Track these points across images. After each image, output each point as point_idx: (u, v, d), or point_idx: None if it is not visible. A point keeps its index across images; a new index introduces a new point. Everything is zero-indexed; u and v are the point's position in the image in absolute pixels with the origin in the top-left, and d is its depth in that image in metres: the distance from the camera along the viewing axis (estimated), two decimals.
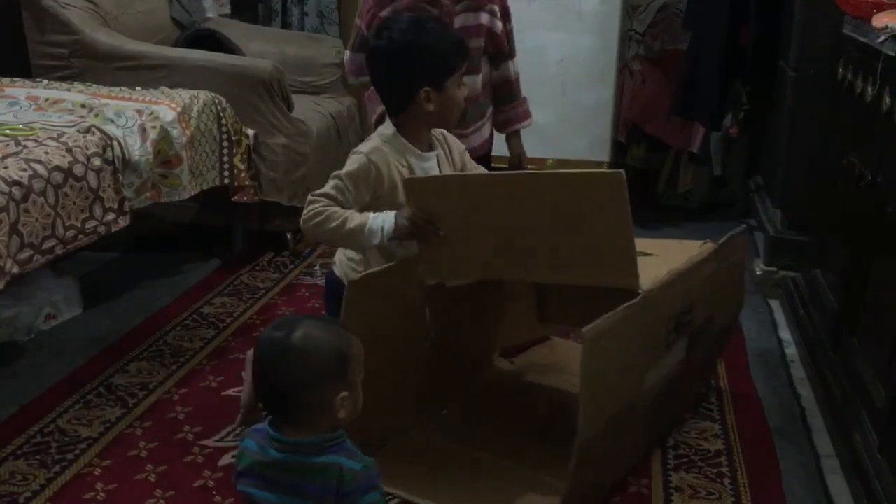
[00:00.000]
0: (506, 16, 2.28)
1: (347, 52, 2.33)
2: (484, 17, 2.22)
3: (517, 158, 2.37)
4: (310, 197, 1.76)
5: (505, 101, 2.34)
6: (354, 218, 1.72)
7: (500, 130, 2.38)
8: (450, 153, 1.92)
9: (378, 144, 1.80)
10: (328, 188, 1.75)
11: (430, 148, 1.87)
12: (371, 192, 1.77)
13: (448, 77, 1.79)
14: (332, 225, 1.71)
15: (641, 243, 1.91)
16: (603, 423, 1.54)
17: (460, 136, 2.09)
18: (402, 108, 1.81)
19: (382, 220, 1.71)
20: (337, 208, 1.73)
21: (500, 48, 2.27)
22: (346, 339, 1.27)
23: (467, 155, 1.97)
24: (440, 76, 1.77)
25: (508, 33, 2.29)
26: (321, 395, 1.22)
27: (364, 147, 1.80)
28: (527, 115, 2.38)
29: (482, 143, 2.32)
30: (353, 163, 1.78)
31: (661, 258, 1.83)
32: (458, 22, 2.17)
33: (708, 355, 2.00)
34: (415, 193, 1.72)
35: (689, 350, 1.82)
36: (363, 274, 1.68)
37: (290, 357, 1.22)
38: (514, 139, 2.38)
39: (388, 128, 1.83)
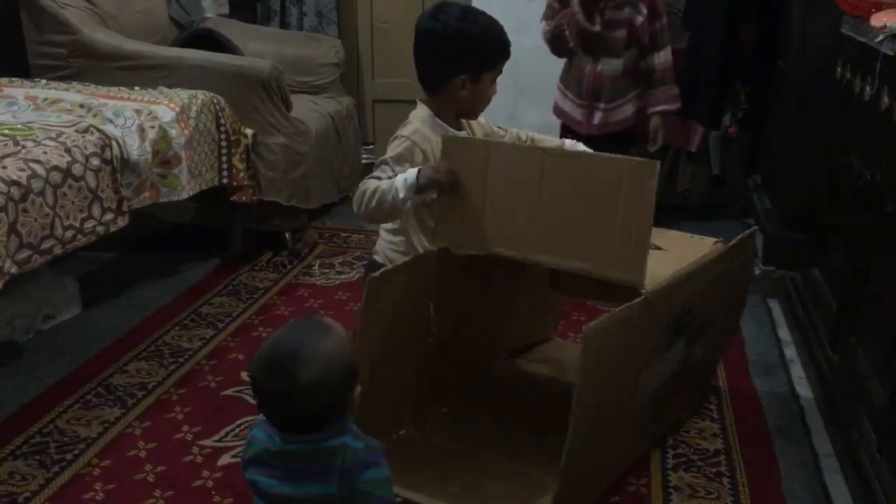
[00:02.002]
0: (653, 13, 2.65)
1: (543, 23, 2.75)
2: (627, 12, 2.63)
3: (653, 133, 2.75)
4: (360, 185, 1.85)
5: (648, 87, 2.72)
6: (386, 181, 1.78)
7: (645, 110, 2.75)
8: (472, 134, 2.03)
9: (417, 126, 1.90)
10: (375, 173, 1.84)
11: (460, 126, 1.98)
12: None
13: (486, 71, 1.90)
14: (372, 196, 1.78)
15: (654, 234, 1.92)
16: (596, 421, 1.54)
17: (605, 110, 2.60)
18: (437, 90, 1.92)
19: (406, 174, 1.76)
20: (374, 181, 1.80)
21: (639, 39, 2.62)
22: (338, 339, 1.24)
23: (490, 128, 2.08)
24: (479, 68, 1.89)
25: (654, 32, 2.66)
26: (345, 404, 1.23)
27: (405, 130, 1.90)
28: (665, 101, 2.73)
29: (622, 121, 2.70)
30: (396, 146, 1.87)
31: (671, 254, 1.82)
32: (606, 15, 2.59)
33: (709, 357, 2.00)
34: (449, 151, 1.77)
35: (688, 351, 1.82)
36: (383, 270, 1.67)
37: (307, 394, 1.19)
38: (652, 118, 2.75)
39: (422, 111, 1.93)
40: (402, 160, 1.84)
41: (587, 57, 2.66)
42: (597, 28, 2.57)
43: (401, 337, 1.77)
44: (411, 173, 1.75)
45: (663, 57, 2.70)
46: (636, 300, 1.54)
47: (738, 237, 1.91)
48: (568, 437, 1.46)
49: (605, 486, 1.74)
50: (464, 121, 2.00)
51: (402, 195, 1.74)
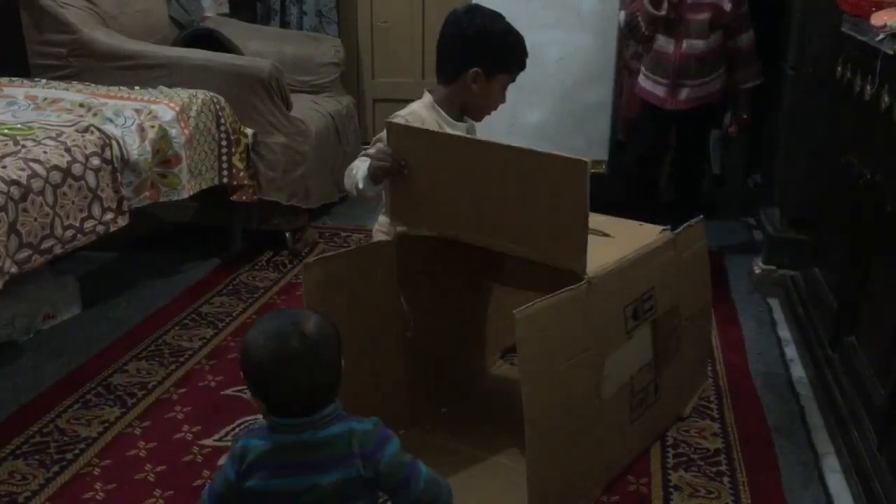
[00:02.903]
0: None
1: (621, 13, 2.97)
2: None
3: (743, 107, 2.97)
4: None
5: (734, 67, 2.88)
6: (356, 169, 1.84)
7: (731, 89, 2.94)
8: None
9: (415, 108, 1.98)
10: (368, 150, 1.89)
11: (459, 119, 2.03)
12: None
13: (500, 73, 1.98)
14: (348, 179, 1.87)
15: (601, 221, 1.95)
16: (555, 408, 1.56)
17: (693, 86, 2.83)
18: (450, 79, 1.99)
19: (364, 164, 1.81)
20: (358, 162, 1.86)
21: (725, 23, 2.79)
22: (318, 316, 1.29)
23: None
24: (495, 66, 1.96)
25: (741, 15, 2.80)
26: (339, 376, 1.27)
27: (402, 111, 1.98)
28: (753, 76, 2.90)
29: (708, 96, 2.87)
30: (392, 122, 1.90)
31: (618, 240, 1.86)
32: None
33: (691, 348, 2.00)
34: (394, 137, 1.78)
35: (657, 339, 1.82)
36: (318, 257, 1.71)
37: (321, 346, 1.24)
38: (739, 95, 2.96)
39: (426, 97, 2.01)
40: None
41: (669, 39, 2.82)
42: (662, 13, 2.74)
43: (370, 332, 1.78)
44: (365, 165, 1.81)
45: (749, 37, 2.85)
46: (580, 283, 1.58)
47: (684, 225, 1.93)
48: (526, 425, 1.49)
49: (604, 481, 1.74)
50: (467, 119, 2.05)
51: (361, 185, 1.82)
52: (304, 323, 1.25)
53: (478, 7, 2.01)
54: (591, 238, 1.64)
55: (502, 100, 2.04)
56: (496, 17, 1.98)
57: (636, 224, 2.01)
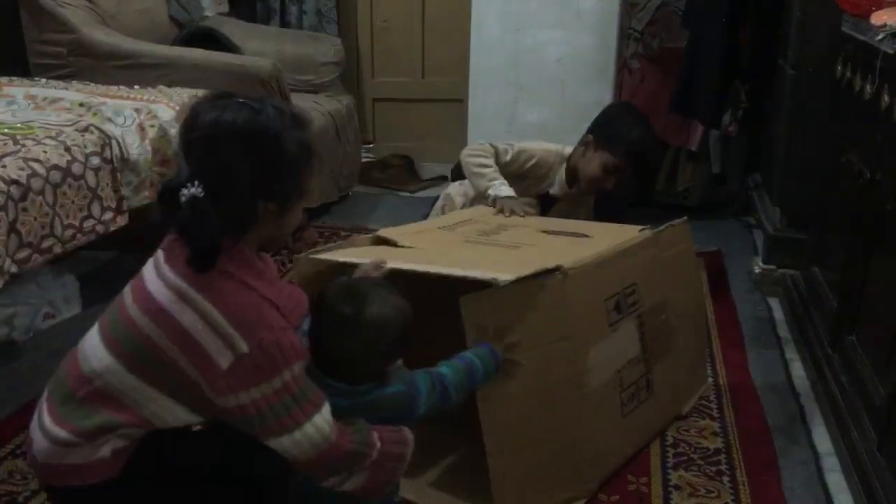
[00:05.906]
0: None
1: None
2: None
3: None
4: (480, 143, 2.33)
5: None
6: (491, 173, 2.23)
7: None
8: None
9: (548, 154, 2.37)
10: (500, 146, 2.30)
11: (570, 187, 2.38)
12: (520, 169, 2.33)
13: (603, 148, 2.27)
14: (478, 161, 2.23)
15: (579, 224, 1.95)
16: (518, 394, 1.58)
17: None
18: (581, 142, 2.33)
19: (497, 188, 2.19)
20: (492, 151, 2.28)
21: None
22: (406, 311, 1.33)
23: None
24: (602, 139, 2.27)
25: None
26: (379, 368, 1.32)
27: (538, 147, 2.37)
28: None
29: None
30: (524, 146, 2.34)
31: (596, 240, 1.89)
32: None
33: (687, 347, 2.00)
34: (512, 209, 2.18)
35: (645, 334, 1.83)
36: (310, 252, 1.75)
37: (360, 335, 1.28)
38: None
39: (565, 150, 2.36)
40: (516, 157, 2.33)
41: None
42: None
43: None
44: (500, 193, 2.17)
45: None
46: (553, 274, 1.59)
47: (666, 224, 1.95)
48: (480, 408, 1.54)
49: (599, 474, 1.73)
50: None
51: (481, 190, 2.22)
52: (371, 302, 1.29)
53: (630, 106, 2.31)
54: (569, 238, 1.65)
55: (598, 175, 2.24)
56: (641, 117, 2.29)
57: (615, 226, 2.04)
